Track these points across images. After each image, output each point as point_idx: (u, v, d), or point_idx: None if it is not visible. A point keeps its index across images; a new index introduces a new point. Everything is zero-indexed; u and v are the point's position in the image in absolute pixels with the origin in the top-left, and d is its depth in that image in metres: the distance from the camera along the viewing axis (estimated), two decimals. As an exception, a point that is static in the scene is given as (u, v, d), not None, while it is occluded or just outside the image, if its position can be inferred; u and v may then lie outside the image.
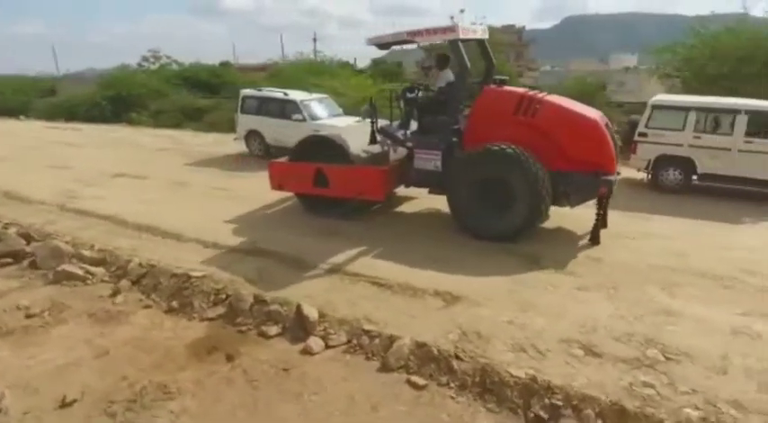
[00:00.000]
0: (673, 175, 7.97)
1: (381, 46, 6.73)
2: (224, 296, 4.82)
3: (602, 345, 3.85)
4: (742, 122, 7.38)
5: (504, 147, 5.55)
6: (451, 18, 19.17)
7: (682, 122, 7.75)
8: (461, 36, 5.90)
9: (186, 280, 5.10)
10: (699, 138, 7.70)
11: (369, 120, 6.71)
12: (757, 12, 21.14)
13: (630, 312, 4.33)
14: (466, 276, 5.02)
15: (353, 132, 7.34)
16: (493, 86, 6.21)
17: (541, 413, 3.24)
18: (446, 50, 6.78)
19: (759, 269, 5.18)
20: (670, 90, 19.85)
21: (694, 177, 7.97)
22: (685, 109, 7.78)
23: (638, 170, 8.47)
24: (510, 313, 4.33)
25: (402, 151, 6.84)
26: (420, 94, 6.81)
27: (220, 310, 4.69)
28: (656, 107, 8.03)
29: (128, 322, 4.62)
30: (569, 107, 5.86)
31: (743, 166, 7.45)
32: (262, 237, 6.24)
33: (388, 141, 6.82)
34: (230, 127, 17.10)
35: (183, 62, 26.28)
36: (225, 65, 30.11)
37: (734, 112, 7.49)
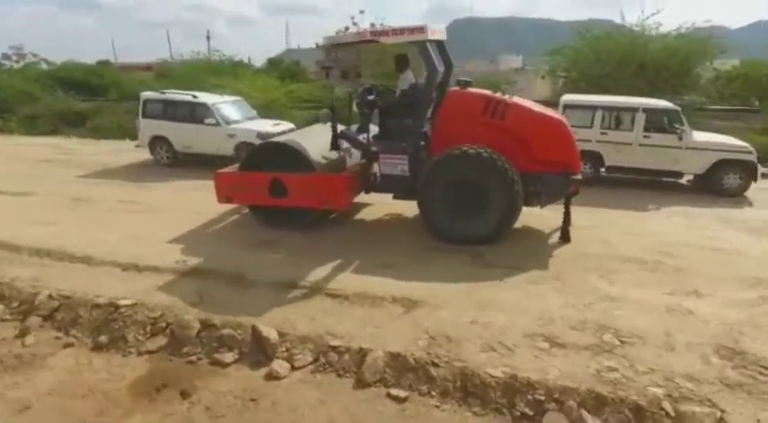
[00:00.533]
0: (584, 168, 8.63)
1: (337, 46, 6.44)
2: (163, 324, 4.31)
3: (563, 335, 4.02)
4: (641, 120, 8.23)
5: (480, 150, 5.53)
6: (352, 18, 19.07)
7: (590, 120, 8.44)
8: (429, 37, 5.74)
9: (113, 310, 4.50)
10: (605, 134, 8.43)
11: (329, 124, 6.33)
12: (632, 19, 23.42)
13: (579, 301, 4.58)
14: (421, 281, 4.98)
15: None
16: (457, 88, 6.15)
17: (526, 410, 3.29)
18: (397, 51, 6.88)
19: (674, 251, 5.76)
20: (561, 89, 21.63)
21: (602, 170, 8.74)
22: (593, 108, 8.49)
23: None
24: (471, 313, 4.37)
25: (357, 156, 6.65)
26: (377, 96, 6.60)
27: (161, 340, 4.19)
28: (567, 106, 8.65)
29: (46, 366, 3.97)
30: (536, 109, 5.99)
31: (642, 159, 8.33)
32: (193, 253, 5.71)
33: (344, 146, 6.53)
34: (121, 133, 15.69)
35: (54, 61, 23.60)
36: (104, 64, 27.49)
37: (633, 110, 8.31)
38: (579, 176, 5.87)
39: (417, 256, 5.62)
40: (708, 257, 5.64)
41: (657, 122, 8.38)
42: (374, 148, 6.31)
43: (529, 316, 4.32)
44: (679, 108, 8.23)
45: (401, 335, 4.03)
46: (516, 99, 6.06)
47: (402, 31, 5.66)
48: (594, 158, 8.56)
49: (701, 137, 8.27)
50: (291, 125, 11.11)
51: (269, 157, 6.27)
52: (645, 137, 8.21)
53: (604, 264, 5.41)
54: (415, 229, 6.47)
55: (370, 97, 6.47)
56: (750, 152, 7.92)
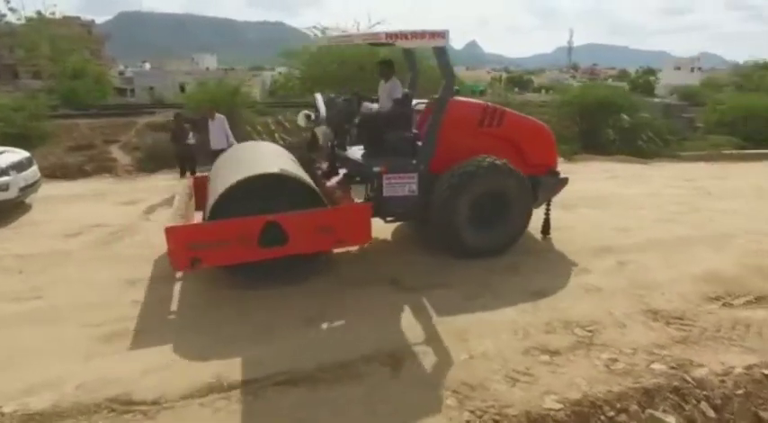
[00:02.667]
0: None
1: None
2: None
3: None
4: None
5: (500, 160, 5.59)
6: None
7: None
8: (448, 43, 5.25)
9: None
10: None
11: (328, 144, 5.63)
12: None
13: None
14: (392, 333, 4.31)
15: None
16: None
17: None
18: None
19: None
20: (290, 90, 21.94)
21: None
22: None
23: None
24: (464, 354, 4.05)
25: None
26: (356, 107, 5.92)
27: None
28: (418, 112, 8.79)
29: None
30: (525, 116, 6.31)
31: None
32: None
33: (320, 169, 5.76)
34: None
35: None
36: None
37: None
38: (566, 176, 6.40)
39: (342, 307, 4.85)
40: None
41: None
42: (377, 168, 5.42)
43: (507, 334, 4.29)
44: None
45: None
46: (503, 107, 6.10)
47: (423, 34, 5.07)
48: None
49: None
50: (24, 152, 7.99)
51: (249, 198, 4.67)
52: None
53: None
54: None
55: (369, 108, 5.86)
56: None
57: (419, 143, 5.62)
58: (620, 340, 4.23)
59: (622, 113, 17.08)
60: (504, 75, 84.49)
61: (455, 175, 5.45)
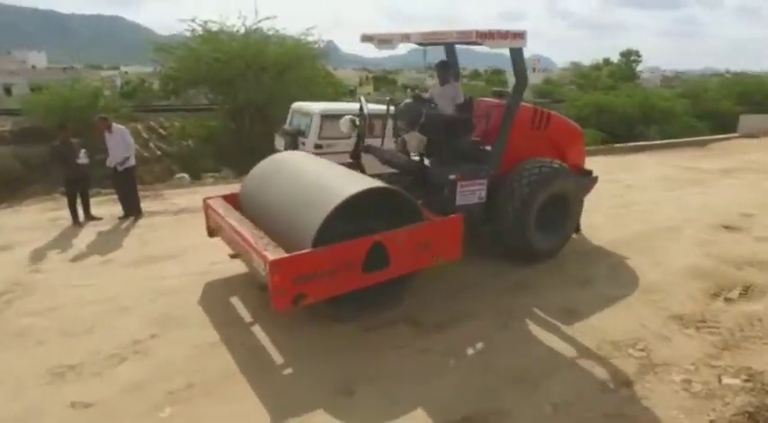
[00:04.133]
0: None
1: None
2: None
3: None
4: (389, 126, 8.39)
5: (559, 162, 5.68)
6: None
7: (350, 130, 7.96)
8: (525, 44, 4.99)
9: None
10: (321, 146, 8.16)
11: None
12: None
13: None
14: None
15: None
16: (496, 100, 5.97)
17: None
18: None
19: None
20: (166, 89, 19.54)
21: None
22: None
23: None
24: (547, 407, 3.47)
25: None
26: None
27: None
28: (325, 117, 7.83)
29: None
30: (564, 118, 6.35)
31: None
32: None
33: None
34: None
35: None
36: None
37: (382, 116, 8.36)
38: (597, 175, 6.56)
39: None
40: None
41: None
42: (452, 176, 5.06)
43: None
44: None
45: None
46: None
47: (507, 35, 4.73)
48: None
49: None
50: None
51: (342, 218, 3.94)
52: (395, 142, 8.48)
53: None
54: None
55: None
56: None
57: (486, 147, 5.53)
58: (675, 356, 4.02)
59: None
60: (370, 75, 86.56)
61: (527, 177, 5.37)
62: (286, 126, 8.51)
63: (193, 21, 16.83)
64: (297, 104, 8.55)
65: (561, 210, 5.77)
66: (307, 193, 4.23)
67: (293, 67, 16.70)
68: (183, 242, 6.23)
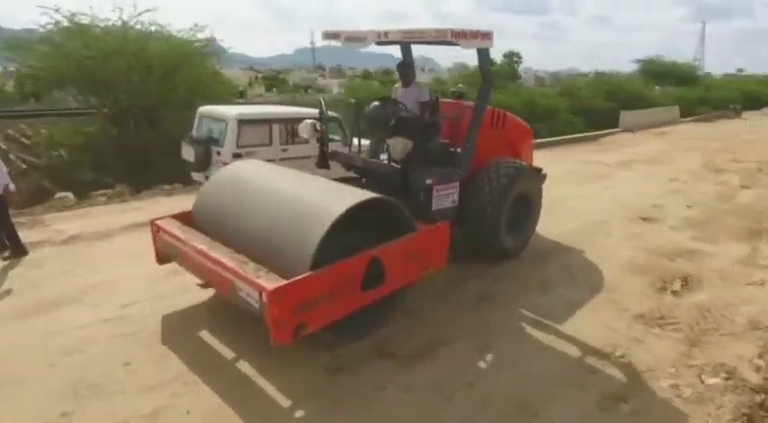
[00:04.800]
0: None
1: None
2: None
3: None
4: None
5: (519, 162, 5.82)
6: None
7: (268, 136, 7.15)
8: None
9: None
10: (286, 150, 7.38)
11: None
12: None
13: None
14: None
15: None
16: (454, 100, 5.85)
17: None
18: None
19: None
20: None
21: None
22: (269, 121, 7.17)
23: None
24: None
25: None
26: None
27: None
28: (242, 122, 6.92)
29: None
30: (515, 117, 6.20)
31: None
32: None
33: None
34: None
35: None
36: None
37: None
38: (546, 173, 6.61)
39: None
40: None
41: (331, 132, 8.15)
42: (429, 181, 4.88)
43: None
44: (339, 115, 8.26)
45: None
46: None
47: (477, 34, 4.52)
48: None
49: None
50: None
51: (334, 234, 3.45)
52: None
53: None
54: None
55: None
56: None
57: (455, 149, 5.31)
58: (654, 359, 3.98)
59: None
60: (259, 75, 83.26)
61: (500, 178, 5.38)
62: (194, 133, 7.47)
63: (57, 11, 14.51)
64: (205, 109, 7.55)
65: (525, 208, 5.86)
66: (292, 210, 3.73)
67: (182, 67, 15.18)
68: (84, 280, 5.07)
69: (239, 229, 3.94)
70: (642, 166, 12.11)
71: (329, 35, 5.08)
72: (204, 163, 6.98)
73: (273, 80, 74.55)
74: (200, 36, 16.30)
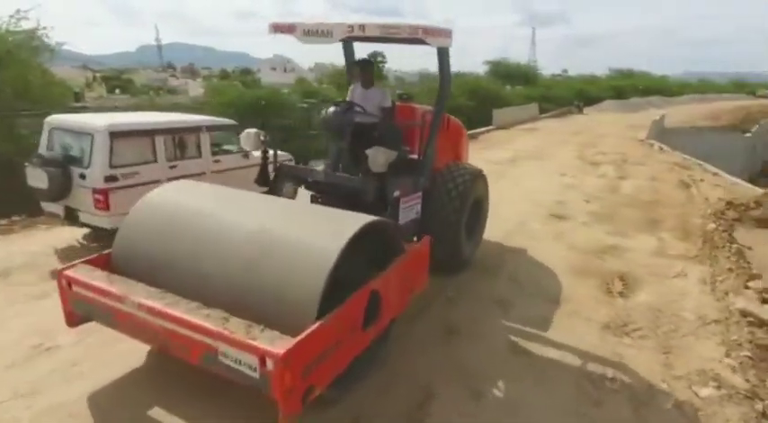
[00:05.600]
0: None
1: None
2: None
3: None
4: (206, 141, 6.29)
5: (470, 165, 5.55)
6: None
7: (151, 152, 5.67)
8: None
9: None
10: (174, 167, 5.95)
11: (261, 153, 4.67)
12: None
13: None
14: None
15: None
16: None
17: None
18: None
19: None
20: None
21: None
22: (150, 133, 5.66)
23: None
24: None
25: None
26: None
27: None
28: (116, 135, 5.32)
29: None
30: (454, 118, 5.87)
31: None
32: None
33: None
34: None
35: None
36: None
37: (197, 129, 6.21)
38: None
39: None
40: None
41: (221, 143, 6.79)
42: (397, 193, 4.33)
43: None
44: (236, 122, 6.93)
45: None
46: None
47: (442, 32, 4.06)
48: None
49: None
50: None
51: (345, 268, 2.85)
52: (215, 162, 6.49)
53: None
54: None
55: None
56: (291, 158, 7.98)
57: (413, 157, 4.94)
58: (643, 376, 3.78)
59: (284, 114, 17.01)
60: (97, 74, 73.64)
61: (459, 185, 5.04)
62: (42, 151, 5.70)
63: None
64: (57, 118, 5.79)
65: (477, 213, 5.64)
66: (276, 245, 2.99)
67: (3, 65, 12.28)
68: None
69: (196, 275, 3.05)
70: (528, 162, 12.70)
71: (280, 28, 4.17)
72: (61, 190, 5.33)
73: (116, 80, 66.49)
74: (25, 26, 13.32)
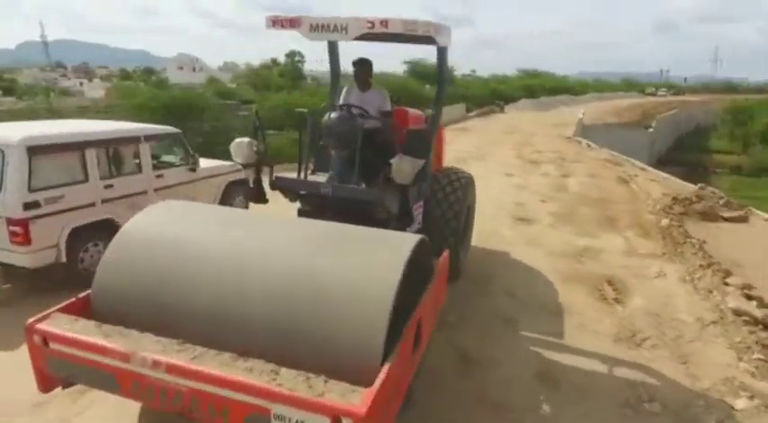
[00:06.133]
0: (95, 252, 4.84)
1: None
2: None
3: None
4: (147, 153, 5.28)
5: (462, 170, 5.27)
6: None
7: (80, 169, 4.63)
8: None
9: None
10: (110, 187, 4.91)
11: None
12: None
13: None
14: None
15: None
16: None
17: None
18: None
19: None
20: None
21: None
22: (79, 146, 4.59)
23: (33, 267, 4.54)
24: None
25: None
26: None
27: None
28: (36, 151, 4.23)
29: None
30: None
31: None
32: None
33: None
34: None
35: None
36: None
37: (135, 140, 5.17)
38: None
39: None
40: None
41: (163, 153, 5.78)
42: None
43: None
44: (180, 130, 5.90)
45: None
46: None
47: (446, 31, 3.83)
48: (105, 237, 4.91)
49: (202, 161, 6.40)
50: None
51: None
52: (158, 178, 5.49)
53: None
54: None
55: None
56: (240, 169, 7.06)
57: None
58: (676, 394, 3.61)
59: (204, 117, 15.66)
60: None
61: (455, 192, 4.79)
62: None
63: None
64: (-53, 131, 4.59)
65: (467, 219, 5.44)
66: (316, 278, 2.50)
67: None
68: None
69: (219, 319, 2.49)
70: (473, 163, 12.60)
71: (280, 22, 3.56)
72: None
73: (-6, 82, 58.78)
74: None
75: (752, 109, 39.63)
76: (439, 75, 4.56)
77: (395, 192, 3.83)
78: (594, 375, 3.78)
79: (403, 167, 3.69)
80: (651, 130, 25.15)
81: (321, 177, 4.51)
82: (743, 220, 8.28)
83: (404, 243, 2.72)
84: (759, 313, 4.66)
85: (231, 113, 20.56)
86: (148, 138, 5.36)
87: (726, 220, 8.24)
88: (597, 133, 20.22)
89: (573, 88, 58.90)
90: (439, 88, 4.64)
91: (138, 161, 5.29)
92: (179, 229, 2.92)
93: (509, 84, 51.72)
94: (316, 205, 4.25)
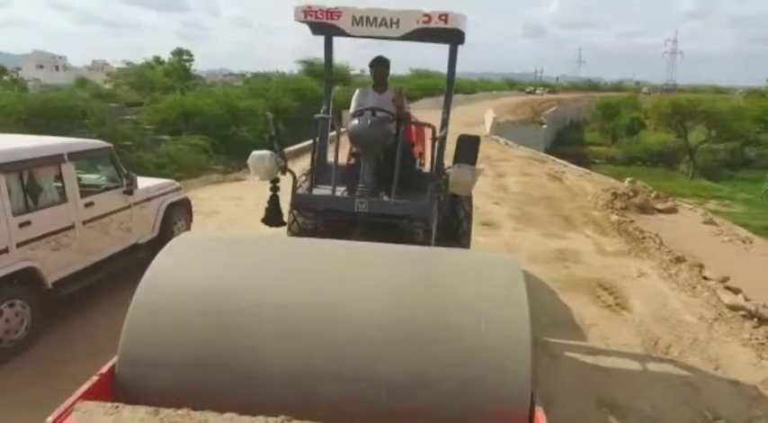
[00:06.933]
0: (10, 315, 3.54)
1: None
2: None
3: None
4: (71, 176, 3.99)
5: None
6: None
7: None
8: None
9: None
10: (27, 224, 3.62)
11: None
12: None
13: None
14: None
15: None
16: None
17: None
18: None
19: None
20: None
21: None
22: None
23: None
24: None
25: None
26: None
27: None
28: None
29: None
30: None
31: (93, 245, 4.27)
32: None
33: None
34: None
35: None
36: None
37: (58, 158, 3.86)
38: None
39: None
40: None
41: (93, 175, 4.47)
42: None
43: None
44: (111, 144, 4.57)
45: None
46: None
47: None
48: (25, 287, 3.67)
49: (141, 182, 5.07)
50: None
51: None
52: (87, 207, 4.23)
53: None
54: None
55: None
56: (180, 188, 5.82)
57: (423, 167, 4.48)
58: (733, 410, 3.48)
59: (87, 123, 13.56)
60: None
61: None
62: None
63: None
64: None
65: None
66: (437, 321, 1.97)
67: None
68: None
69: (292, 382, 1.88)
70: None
71: (314, 13, 3.07)
72: None
73: None
74: None
75: (618, 105, 44.72)
76: (449, 75, 4.19)
77: (443, 205, 3.46)
78: (651, 397, 3.53)
79: (463, 178, 3.31)
80: (545, 126, 26.97)
81: (324, 190, 3.87)
82: (673, 211, 8.89)
83: (507, 265, 2.28)
84: (751, 306, 4.81)
85: (117, 118, 18.03)
86: (73, 155, 4.13)
87: (660, 211, 8.78)
88: (506, 131, 21.14)
89: (464, 87, 61.75)
90: (448, 89, 4.28)
91: (60, 187, 4.07)
92: (222, 270, 2.15)
93: (406, 83, 52.66)
94: (333, 223, 3.63)
